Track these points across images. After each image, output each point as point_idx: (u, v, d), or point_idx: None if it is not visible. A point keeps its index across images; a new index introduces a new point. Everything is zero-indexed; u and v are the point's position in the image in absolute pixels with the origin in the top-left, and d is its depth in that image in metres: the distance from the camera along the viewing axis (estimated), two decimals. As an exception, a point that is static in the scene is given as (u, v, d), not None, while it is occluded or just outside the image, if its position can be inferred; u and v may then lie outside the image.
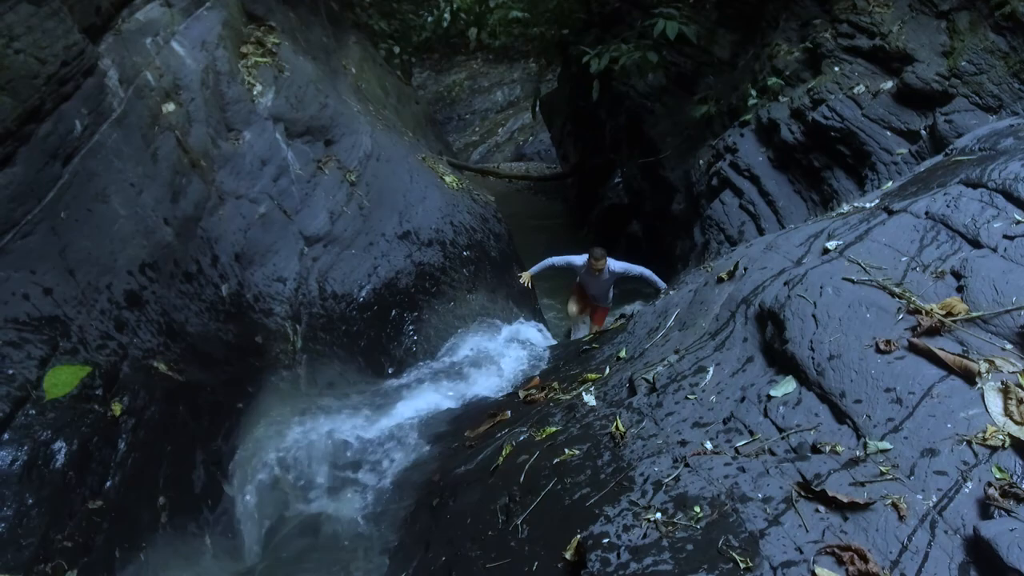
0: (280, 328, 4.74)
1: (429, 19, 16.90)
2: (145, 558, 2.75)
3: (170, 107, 4.79)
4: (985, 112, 4.50)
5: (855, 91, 5.42)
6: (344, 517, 3.35)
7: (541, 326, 7.07)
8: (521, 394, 4.33)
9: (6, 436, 2.58)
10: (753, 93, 6.87)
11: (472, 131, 20.83)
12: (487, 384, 5.11)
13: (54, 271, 3.24)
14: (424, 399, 4.83)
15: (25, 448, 2.58)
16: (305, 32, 7.48)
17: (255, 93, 5.70)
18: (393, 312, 5.63)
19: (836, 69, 5.76)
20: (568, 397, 3.33)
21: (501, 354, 5.74)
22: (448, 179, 7.42)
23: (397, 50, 10.89)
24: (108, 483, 2.81)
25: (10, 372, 2.74)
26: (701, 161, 7.68)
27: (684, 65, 9.09)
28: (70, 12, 4.02)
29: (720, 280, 3.16)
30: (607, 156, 12.03)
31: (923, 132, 4.86)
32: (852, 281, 2.39)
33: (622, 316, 6.29)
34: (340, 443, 4.06)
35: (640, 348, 3.62)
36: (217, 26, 5.69)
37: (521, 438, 2.95)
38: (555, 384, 4.15)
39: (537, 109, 14.38)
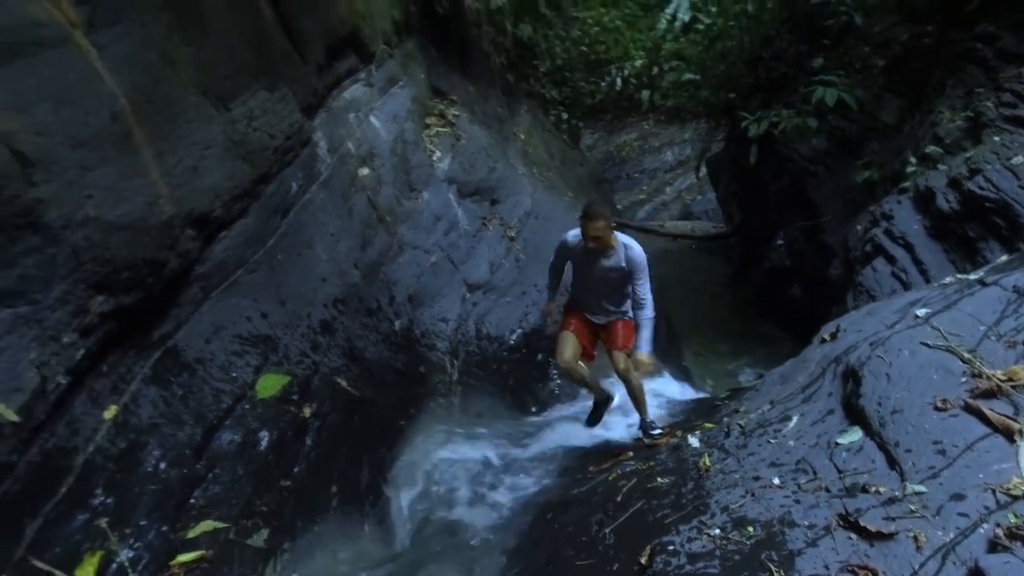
0: (440, 361, 5.46)
1: (602, 84, 17.80)
2: (318, 530, 3.46)
3: (365, 171, 5.76)
4: None
5: (1013, 162, 5.32)
6: (477, 525, 3.90)
7: (684, 383, 7.29)
8: (646, 440, 4.70)
9: (228, 422, 3.41)
10: (912, 160, 6.82)
11: (640, 190, 21.28)
12: (620, 430, 5.46)
13: (270, 300, 4.13)
14: (560, 437, 5.30)
15: (240, 432, 3.40)
16: (482, 103, 8.45)
17: (435, 159, 6.62)
18: (539, 356, 6.20)
19: (996, 139, 5.67)
20: (678, 439, 3.69)
21: (638, 403, 6.05)
22: (603, 237, 7.95)
23: (566, 116, 11.72)
24: (296, 468, 3.57)
25: (234, 375, 3.60)
26: (859, 227, 7.63)
27: (849, 130, 9.08)
28: (294, 96, 5.03)
29: (823, 340, 3.41)
30: (770, 217, 12.02)
31: (1082, 206, 4.71)
32: (928, 345, 2.61)
33: (760, 375, 6.42)
34: (482, 465, 4.63)
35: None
36: (407, 102, 6.71)
37: (628, 468, 3.36)
38: (679, 432, 4.48)
39: (702, 169, 14.61)
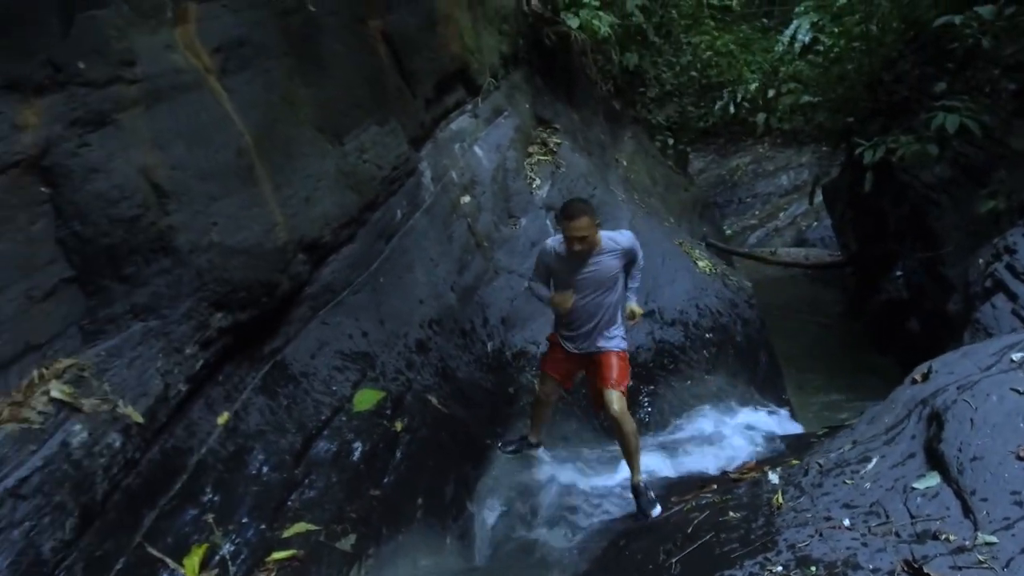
0: (530, 384, 5.59)
1: (715, 108, 17.57)
2: (402, 540, 3.67)
3: (466, 199, 6.02)
4: None
5: None
6: (554, 546, 4.00)
7: (783, 416, 7.06)
8: (733, 476, 4.64)
9: (325, 432, 3.70)
10: (1041, 191, 6.38)
11: (751, 215, 20.71)
12: (708, 462, 5.37)
13: (371, 320, 4.42)
14: (646, 465, 5.28)
15: (336, 443, 3.67)
16: (585, 131, 8.59)
17: (534, 186, 6.82)
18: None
19: None
20: (760, 475, 3.65)
21: (730, 437, 5.92)
22: (701, 264, 7.88)
23: (672, 141, 11.69)
24: (386, 479, 3.81)
25: (334, 388, 3.90)
26: (980, 260, 7.18)
27: (975, 156, 8.56)
28: (403, 129, 5.34)
29: (914, 381, 3.30)
30: (888, 247, 11.45)
31: None
32: (1018, 392, 2.50)
33: (862, 412, 6.16)
34: (565, 488, 4.72)
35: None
36: (511, 131, 6.96)
37: (704, 501, 3.36)
38: (766, 468, 4.40)
39: (817, 195, 14.11)
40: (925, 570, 2.04)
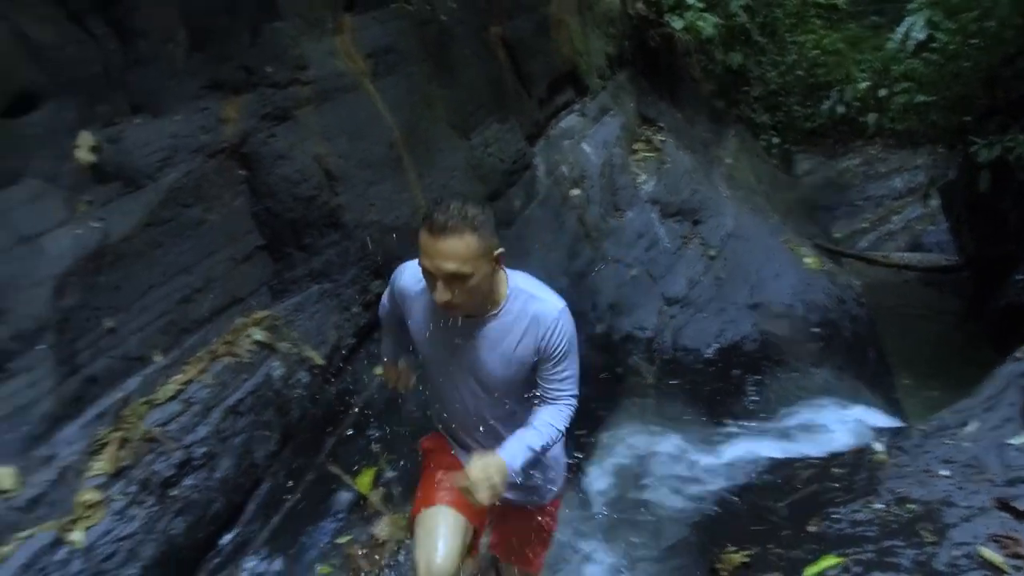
0: (637, 366, 5.94)
1: (822, 108, 17.23)
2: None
3: (576, 192, 6.42)
4: None
5: None
6: (666, 504, 4.31)
7: (891, 414, 7.04)
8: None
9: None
10: None
11: (862, 218, 20.07)
12: (813, 449, 5.50)
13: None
14: (751, 447, 5.48)
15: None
16: (688, 129, 8.84)
17: (639, 181, 7.14)
18: (735, 371, 6.41)
19: None
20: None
21: (835, 428, 5.99)
22: (808, 260, 7.95)
23: (776, 141, 11.70)
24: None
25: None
26: (1103, 258, 6.96)
27: (1102, 153, 8.24)
28: (520, 126, 5.82)
29: (1015, 359, 3.45)
30: (1008, 249, 11.02)
31: None
32: (1117, 358, 2.66)
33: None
34: (672, 460, 5.02)
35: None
36: (617, 129, 7.31)
37: (810, 462, 3.63)
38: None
39: (933, 198, 13.66)
40: (1013, 504, 2.27)
